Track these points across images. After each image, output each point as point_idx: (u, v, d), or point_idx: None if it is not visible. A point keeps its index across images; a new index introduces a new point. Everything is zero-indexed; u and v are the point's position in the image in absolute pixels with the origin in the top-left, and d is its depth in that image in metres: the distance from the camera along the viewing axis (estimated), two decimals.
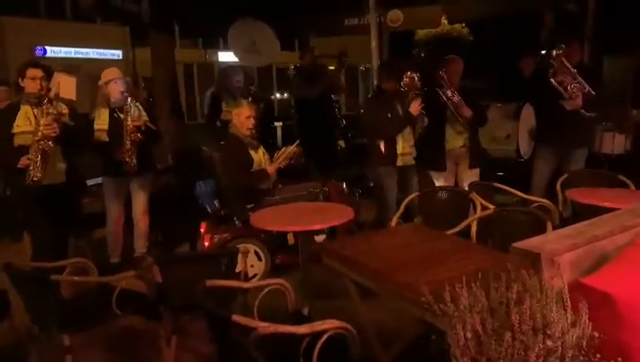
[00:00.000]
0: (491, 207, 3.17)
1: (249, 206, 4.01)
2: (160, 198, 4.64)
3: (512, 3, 9.86)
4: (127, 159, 3.92)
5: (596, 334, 1.22)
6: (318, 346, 1.75)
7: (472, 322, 1.24)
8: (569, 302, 1.27)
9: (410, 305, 1.93)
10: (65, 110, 3.66)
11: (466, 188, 3.89)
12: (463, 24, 10.29)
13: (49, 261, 2.85)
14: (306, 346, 1.79)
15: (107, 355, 2.93)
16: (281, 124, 7.46)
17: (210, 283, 2.11)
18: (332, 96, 6.85)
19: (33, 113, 3.52)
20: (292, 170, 4.49)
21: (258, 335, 1.71)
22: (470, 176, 4.44)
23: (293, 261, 3.79)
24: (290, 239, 4.01)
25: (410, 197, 3.65)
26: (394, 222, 3.46)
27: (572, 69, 4.17)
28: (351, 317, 2.09)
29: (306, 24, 10.62)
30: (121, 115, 3.93)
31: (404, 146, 4.26)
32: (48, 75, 3.59)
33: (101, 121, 3.97)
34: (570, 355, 1.18)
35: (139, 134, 3.92)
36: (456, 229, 2.95)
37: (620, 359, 1.22)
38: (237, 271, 2.92)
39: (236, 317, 1.74)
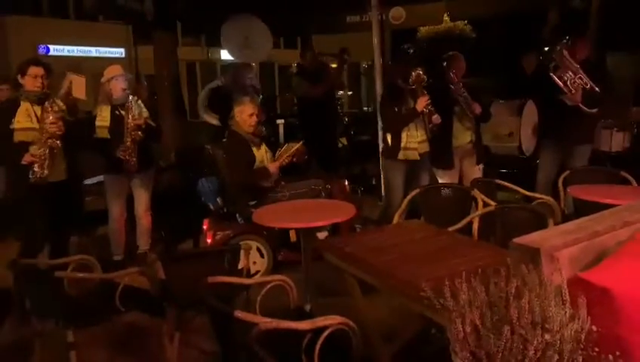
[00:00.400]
0: (493, 203, 3.17)
1: (251, 203, 4.03)
2: (163, 196, 4.66)
3: (516, 1, 9.84)
4: (127, 157, 3.93)
5: (594, 328, 1.23)
6: (320, 342, 1.77)
7: (471, 316, 1.25)
8: (568, 296, 1.27)
9: (410, 301, 1.95)
10: (63, 107, 3.70)
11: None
12: (465, 21, 10.26)
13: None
14: (307, 342, 1.80)
15: (111, 351, 2.96)
16: (282, 121, 7.47)
17: (212, 279, 2.12)
18: (335, 93, 6.87)
19: (33, 110, 3.56)
20: (294, 167, 4.51)
21: (260, 331, 1.72)
22: (475, 173, 4.46)
23: (295, 258, 3.80)
24: (293, 236, 4.02)
25: (412, 193, 3.66)
26: (396, 219, 3.47)
27: (574, 64, 4.17)
28: (353, 313, 2.11)
29: (308, 22, 10.62)
30: (123, 112, 3.95)
31: (409, 141, 4.26)
32: (49, 73, 3.62)
33: (102, 118, 3.98)
34: (568, 349, 1.19)
35: (139, 132, 3.94)
36: (458, 226, 2.95)
37: (618, 353, 1.23)
38: (239, 267, 2.94)
39: (239, 313, 1.75)
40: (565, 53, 4.18)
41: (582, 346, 1.22)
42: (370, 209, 5.16)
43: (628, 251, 1.55)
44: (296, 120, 7.32)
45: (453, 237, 2.63)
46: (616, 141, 5.32)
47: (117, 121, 3.96)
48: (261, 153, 4.23)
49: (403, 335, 2.70)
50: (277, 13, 8.51)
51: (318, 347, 1.76)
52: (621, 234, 1.66)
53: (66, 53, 15.27)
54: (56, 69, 3.80)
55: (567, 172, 4.05)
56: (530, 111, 5.75)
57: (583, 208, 3.24)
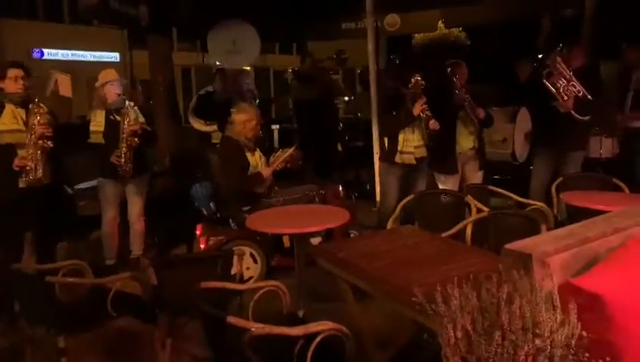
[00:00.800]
0: (486, 209, 3.18)
1: (245, 208, 4.02)
2: (156, 201, 4.64)
3: (509, 9, 9.90)
4: (121, 164, 3.92)
5: (585, 334, 1.23)
6: (312, 348, 1.76)
7: (462, 322, 1.25)
8: (559, 302, 1.28)
9: (403, 306, 1.94)
10: (46, 109, 3.68)
11: None
12: (460, 28, 10.32)
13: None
14: (300, 348, 1.80)
15: (102, 357, 2.93)
16: (277, 126, 7.48)
17: (205, 285, 2.12)
18: (333, 99, 6.88)
19: (18, 112, 3.55)
20: (289, 172, 4.51)
21: (253, 336, 1.72)
22: (477, 178, 4.50)
23: (288, 263, 3.80)
24: (286, 242, 4.02)
25: (407, 199, 3.66)
26: (389, 224, 3.47)
27: (568, 72, 4.20)
28: (345, 318, 2.11)
29: (304, 28, 10.66)
30: (117, 117, 3.94)
31: (405, 145, 4.28)
32: (28, 75, 3.63)
33: (97, 123, 3.98)
34: (559, 354, 1.20)
35: (135, 138, 3.93)
36: (452, 232, 2.96)
37: (608, 359, 1.23)
38: (232, 273, 2.93)
39: (231, 319, 1.75)
40: (559, 60, 4.21)
41: (572, 351, 1.22)
42: (365, 215, 5.16)
43: (619, 257, 1.56)
44: (291, 125, 7.33)
45: (446, 243, 2.64)
46: (605, 147, 5.35)
47: (111, 126, 3.95)
48: (255, 158, 4.23)
49: (396, 341, 2.70)
50: (272, 18, 8.53)
51: (310, 353, 1.75)
52: (612, 240, 1.66)
53: (60, 58, 15.23)
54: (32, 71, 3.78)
55: (561, 178, 4.08)
56: (524, 118, 5.78)
57: (576, 214, 3.25)
